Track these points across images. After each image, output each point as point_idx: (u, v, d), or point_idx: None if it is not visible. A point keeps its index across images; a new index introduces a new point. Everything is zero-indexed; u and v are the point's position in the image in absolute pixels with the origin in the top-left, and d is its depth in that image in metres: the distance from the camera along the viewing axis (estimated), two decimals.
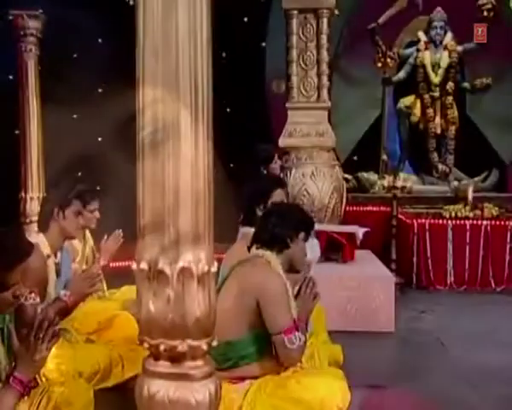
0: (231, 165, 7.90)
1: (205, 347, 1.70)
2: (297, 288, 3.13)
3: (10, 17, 5.58)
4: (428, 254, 6.20)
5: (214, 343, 1.74)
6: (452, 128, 8.02)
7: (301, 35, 6.18)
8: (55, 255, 3.64)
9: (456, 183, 7.64)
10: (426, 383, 3.69)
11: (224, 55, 8.84)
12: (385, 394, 3.62)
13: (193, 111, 1.64)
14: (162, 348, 1.67)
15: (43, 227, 3.58)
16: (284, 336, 2.79)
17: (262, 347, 2.89)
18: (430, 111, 8.01)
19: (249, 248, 3.13)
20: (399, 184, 6.12)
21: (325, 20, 6.11)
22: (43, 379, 3.10)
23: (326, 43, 6.16)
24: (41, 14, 5.65)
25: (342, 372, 2.96)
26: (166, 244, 1.65)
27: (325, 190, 6.06)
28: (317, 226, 5.47)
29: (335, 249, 5.19)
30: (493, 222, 6.23)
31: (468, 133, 8.62)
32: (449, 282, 6.18)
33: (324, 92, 6.19)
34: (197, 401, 1.68)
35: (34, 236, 3.59)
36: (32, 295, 3.39)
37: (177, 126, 1.63)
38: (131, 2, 6.63)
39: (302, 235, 3.07)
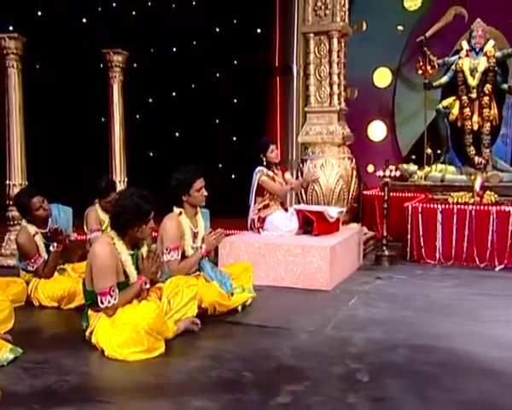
0: None
1: None
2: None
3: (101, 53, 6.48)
4: (421, 233, 6.00)
5: None
6: (487, 125, 7.53)
7: (317, 53, 6.32)
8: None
9: (474, 175, 7.06)
10: (300, 326, 3.77)
11: None
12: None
13: None
14: None
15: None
16: (98, 297, 3.24)
17: None
18: (467, 110, 7.63)
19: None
20: (389, 173, 5.93)
21: (335, 40, 6.21)
22: None
23: (336, 58, 6.23)
24: (123, 50, 6.46)
25: (160, 307, 3.35)
26: None
27: (332, 178, 6.16)
28: (296, 206, 5.71)
29: (309, 224, 5.34)
30: (478, 207, 5.86)
31: None
32: (438, 257, 5.93)
33: (335, 98, 6.28)
34: None
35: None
36: None
37: None
38: None
39: (140, 224, 3.36)
